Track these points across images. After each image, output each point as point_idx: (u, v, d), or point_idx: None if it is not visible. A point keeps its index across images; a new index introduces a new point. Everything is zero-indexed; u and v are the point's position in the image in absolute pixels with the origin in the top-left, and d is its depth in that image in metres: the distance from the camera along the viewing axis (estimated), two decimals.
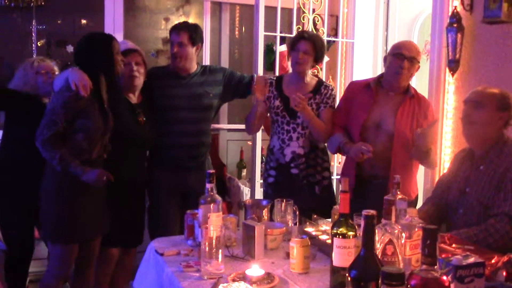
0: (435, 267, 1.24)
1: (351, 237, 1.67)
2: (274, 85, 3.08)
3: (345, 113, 2.97)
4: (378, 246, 1.67)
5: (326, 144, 3.14)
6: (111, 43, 2.75)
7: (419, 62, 2.84)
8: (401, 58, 2.78)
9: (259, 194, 3.63)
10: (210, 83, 3.21)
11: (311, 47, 2.97)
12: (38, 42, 4.13)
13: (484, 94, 2.35)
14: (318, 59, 3.05)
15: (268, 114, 3.15)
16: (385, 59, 2.94)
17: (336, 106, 3.11)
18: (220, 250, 1.87)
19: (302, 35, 3.03)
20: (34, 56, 3.96)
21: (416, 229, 1.77)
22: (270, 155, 3.12)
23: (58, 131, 2.60)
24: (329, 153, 3.18)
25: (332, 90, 3.08)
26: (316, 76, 3.23)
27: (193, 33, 3.12)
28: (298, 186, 3.00)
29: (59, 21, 4.26)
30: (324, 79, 4.11)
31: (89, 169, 2.64)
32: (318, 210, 2.62)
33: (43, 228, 2.82)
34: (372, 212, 1.41)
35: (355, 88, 3.01)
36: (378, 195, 2.63)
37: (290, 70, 3.11)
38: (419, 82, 4.16)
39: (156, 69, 3.26)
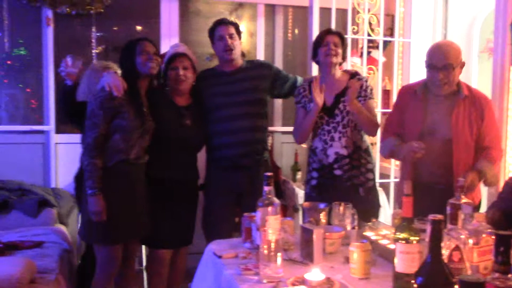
0: (509, 275, 1.18)
1: (414, 242, 1.62)
2: (307, 89, 3.04)
3: (398, 123, 2.86)
4: (444, 252, 1.61)
5: (369, 145, 3.09)
6: (132, 46, 2.85)
7: (457, 65, 2.63)
8: (434, 70, 2.63)
9: None
10: (258, 77, 3.23)
11: (339, 41, 2.95)
12: (97, 49, 4.26)
13: None
14: (344, 56, 3.03)
15: None
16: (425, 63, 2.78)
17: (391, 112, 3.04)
18: (278, 254, 1.85)
19: (329, 30, 3.05)
20: (93, 62, 4.10)
21: (484, 235, 1.69)
22: (312, 156, 3.06)
23: (100, 133, 2.69)
24: (372, 154, 3.11)
25: (366, 81, 3.01)
26: (347, 71, 3.14)
27: (237, 26, 3.21)
28: (342, 188, 2.93)
29: (115, 28, 4.37)
30: (380, 80, 4.04)
31: (100, 196, 2.67)
32: (362, 213, 2.50)
33: (84, 229, 2.85)
34: (439, 217, 1.36)
35: (405, 95, 2.88)
36: (437, 202, 2.56)
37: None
38: (481, 80, 4.02)
39: (204, 71, 3.30)
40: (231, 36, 3.13)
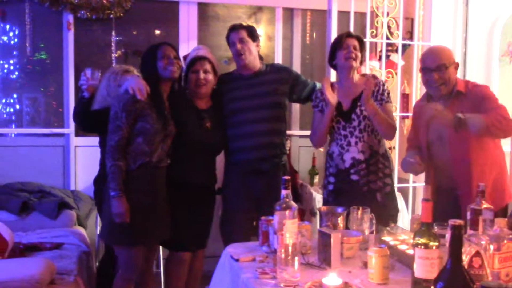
0: None
1: (434, 247, 1.60)
2: (325, 93, 3.02)
3: (415, 134, 2.92)
4: (464, 258, 1.59)
5: (387, 149, 3.07)
6: (153, 51, 2.87)
7: (450, 64, 2.67)
8: (427, 72, 2.69)
9: None
10: (277, 81, 3.23)
11: (358, 44, 2.92)
12: (116, 53, 4.30)
13: None
14: (362, 60, 2.99)
15: None
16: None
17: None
18: (296, 258, 1.84)
19: (348, 33, 3.00)
20: (113, 65, 4.14)
21: (506, 241, 1.66)
22: (329, 161, 3.03)
23: (123, 136, 2.71)
24: (390, 159, 3.08)
25: (383, 85, 2.98)
26: (364, 75, 3.09)
27: (250, 30, 3.20)
28: (358, 193, 2.89)
29: (135, 32, 4.41)
30: (399, 84, 4.01)
31: (123, 199, 2.67)
32: (380, 218, 2.46)
33: (105, 230, 2.86)
34: (459, 222, 1.34)
35: (415, 110, 2.96)
36: (457, 207, 2.53)
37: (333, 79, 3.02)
38: (502, 84, 3.97)
39: (223, 76, 3.30)
40: (241, 41, 3.14)
